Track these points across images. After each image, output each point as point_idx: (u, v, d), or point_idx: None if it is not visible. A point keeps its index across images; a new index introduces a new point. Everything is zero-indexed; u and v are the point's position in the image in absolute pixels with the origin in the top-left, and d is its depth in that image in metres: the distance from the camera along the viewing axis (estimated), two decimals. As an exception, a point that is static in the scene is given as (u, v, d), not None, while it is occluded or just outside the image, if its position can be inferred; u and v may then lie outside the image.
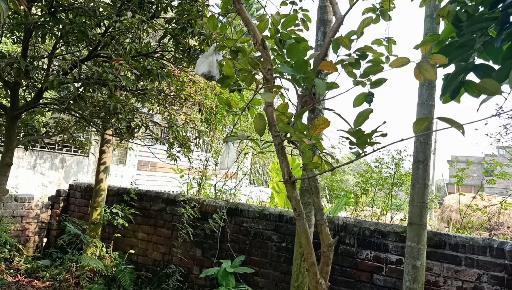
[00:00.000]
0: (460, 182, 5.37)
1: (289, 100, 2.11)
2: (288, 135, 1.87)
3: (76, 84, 3.57)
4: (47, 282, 5.28)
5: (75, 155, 7.60)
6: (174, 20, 3.93)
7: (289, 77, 2.01)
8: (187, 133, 5.39)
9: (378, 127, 1.50)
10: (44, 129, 5.01)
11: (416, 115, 3.23)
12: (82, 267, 5.31)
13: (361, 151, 1.54)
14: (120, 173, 9.57)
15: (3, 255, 5.65)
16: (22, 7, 3.31)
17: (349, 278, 4.16)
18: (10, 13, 3.32)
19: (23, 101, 4.42)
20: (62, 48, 4.27)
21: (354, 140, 1.53)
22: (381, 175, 5.98)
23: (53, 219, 6.84)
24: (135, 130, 4.33)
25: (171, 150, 5.10)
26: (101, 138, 5.93)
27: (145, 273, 5.59)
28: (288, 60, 2.10)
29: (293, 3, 2.62)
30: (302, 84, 1.98)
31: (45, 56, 4.19)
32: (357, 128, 1.52)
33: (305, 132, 1.71)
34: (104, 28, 3.94)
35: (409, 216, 3.27)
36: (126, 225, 5.76)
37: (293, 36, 2.16)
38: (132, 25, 3.52)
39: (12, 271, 5.52)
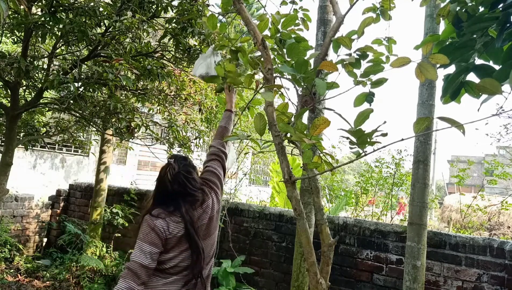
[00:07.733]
0: (461, 182, 5.37)
1: (289, 99, 2.11)
2: (288, 135, 1.87)
3: (76, 84, 3.56)
4: (47, 282, 5.28)
5: (75, 155, 7.60)
6: (174, 20, 3.93)
7: (289, 77, 2.01)
8: (187, 133, 5.38)
9: (378, 127, 1.50)
10: (44, 129, 5.01)
11: (417, 114, 3.23)
12: (82, 266, 5.30)
13: (361, 151, 1.54)
14: (120, 173, 9.56)
15: (3, 255, 5.65)
16: (22, 7, 3.31)
17: (349, 277, 4.16)
18: (10, 12, 3.32)
19: (23, 100, 4.41)
20: (62, 47, 4.26)
21: (354, 139, 1.53)
22: (381, 175, 5.98)
23: (53, 219, 6.84)
24: (135, 130, 4.32)
25: (171, 150, 5.10)
26: (101, 138, 5.92)
27: (145, 273, 5.58)
28: (288, 59, 2.10)
29: (293, 2, 2.61)
30: (302, 84, 1.97)
31: (45, 56, 4.19)
32: (358, 128, 1.52)
33: (305, 132, 1.71)
34: (104, 28, 3.93)
35: (409, 216, 3.26)
36: (126, 225, 5.75)
37: (293, 35, 2.15)
38: (132, 25, 3.52)
39: (12, 270, 5.52)
